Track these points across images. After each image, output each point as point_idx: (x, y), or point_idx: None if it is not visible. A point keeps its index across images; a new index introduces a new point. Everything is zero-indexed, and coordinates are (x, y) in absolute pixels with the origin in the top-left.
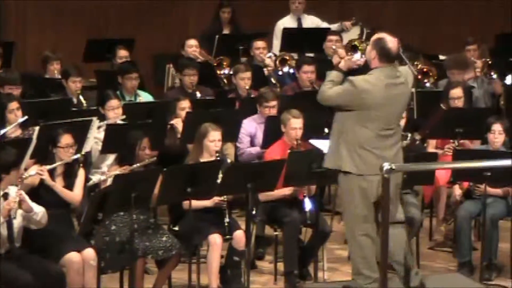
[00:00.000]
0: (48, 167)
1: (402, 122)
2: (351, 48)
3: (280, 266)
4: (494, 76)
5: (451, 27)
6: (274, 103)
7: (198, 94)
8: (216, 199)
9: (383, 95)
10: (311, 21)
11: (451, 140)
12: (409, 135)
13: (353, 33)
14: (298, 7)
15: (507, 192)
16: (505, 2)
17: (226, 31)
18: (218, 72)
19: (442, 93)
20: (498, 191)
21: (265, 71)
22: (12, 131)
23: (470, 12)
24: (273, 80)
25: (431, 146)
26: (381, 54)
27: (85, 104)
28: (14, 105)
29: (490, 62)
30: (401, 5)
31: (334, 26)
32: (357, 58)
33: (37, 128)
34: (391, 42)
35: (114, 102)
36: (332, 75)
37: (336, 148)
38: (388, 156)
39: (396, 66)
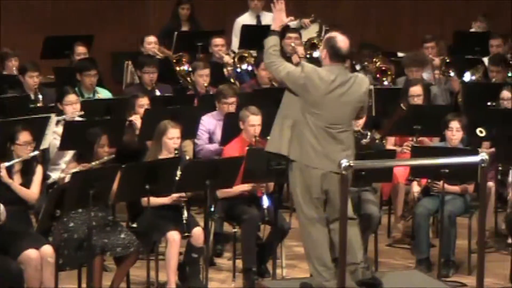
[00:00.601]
0: (6, 164)
1: (362, 121)
2: (311, 46)
3: (239, 263)
4: (452, 73)
5: (409, 24)
6: (232, 99)
7: (157, 92)
8: (174, 196)
9: (324, 92)
10: (270, 18)
11: (410, 138)
12: (369, 133)
13: (312, 30)
14: (257, 4)
15: (464, 189)
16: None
17: (185, 28)
18: (178, 68)
19: (400, 91)
20: (456, 188)
21: (225, 71)
22: None
23: (427, 9)
24: (232, 80)
25: (390, 143)
26: (331, 53)
27: (41, 99)
28: None
29: (448, 59)
30: (359, 3)
31: (293, 23)
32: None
33: None
34: (342, 41)
35: (72, 97)
36: (271, 40)
37: (279, 132)
38: (333, 158)
39: (347, 69)
